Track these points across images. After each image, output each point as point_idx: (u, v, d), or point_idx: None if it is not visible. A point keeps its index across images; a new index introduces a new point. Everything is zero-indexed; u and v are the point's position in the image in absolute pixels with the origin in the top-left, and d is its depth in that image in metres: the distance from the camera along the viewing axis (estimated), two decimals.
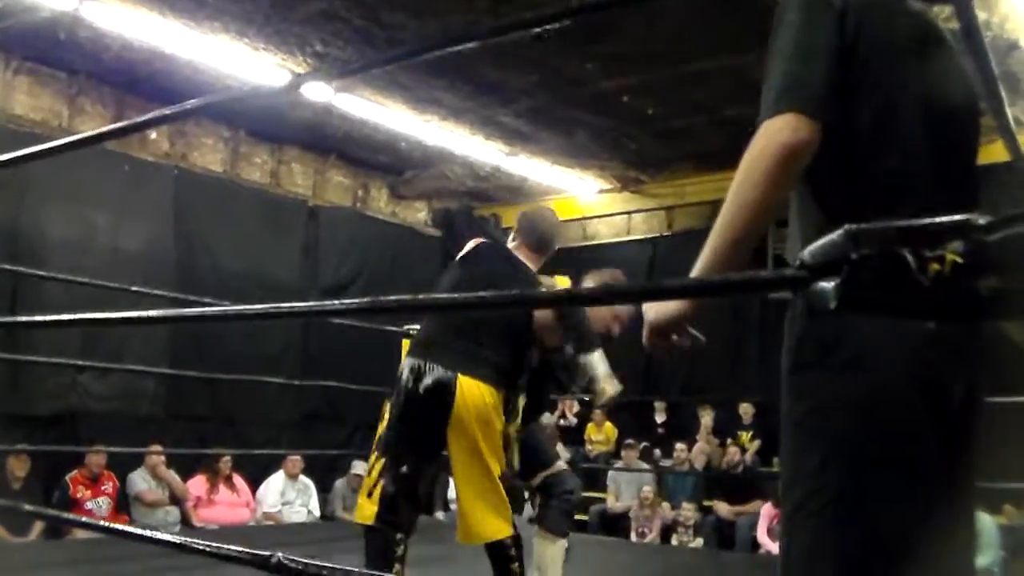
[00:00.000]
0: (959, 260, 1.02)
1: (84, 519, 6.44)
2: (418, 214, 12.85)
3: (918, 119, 1.75)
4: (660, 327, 1.78)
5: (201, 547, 1.99)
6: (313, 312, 1.78)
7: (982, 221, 1.03)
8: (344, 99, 9.17)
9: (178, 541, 2.12)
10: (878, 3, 1.78)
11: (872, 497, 1.54)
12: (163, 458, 8.59)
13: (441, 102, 9.29)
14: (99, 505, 8.20)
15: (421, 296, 1.41)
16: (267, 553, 1.57)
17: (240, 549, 1.76)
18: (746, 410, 10.39)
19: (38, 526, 7.90)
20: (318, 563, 1.53)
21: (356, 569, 1.48)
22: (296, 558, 1.56)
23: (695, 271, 1.66)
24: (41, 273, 7.45)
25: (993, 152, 2.61)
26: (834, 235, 1.06)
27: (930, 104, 1.76)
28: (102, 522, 5.99)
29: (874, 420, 1.55)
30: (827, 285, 1.06)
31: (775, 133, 1.70)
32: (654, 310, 1.77)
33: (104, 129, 2.41)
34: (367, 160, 11.64)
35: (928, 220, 1.06)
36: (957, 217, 1.04)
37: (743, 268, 1.64)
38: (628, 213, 12.37)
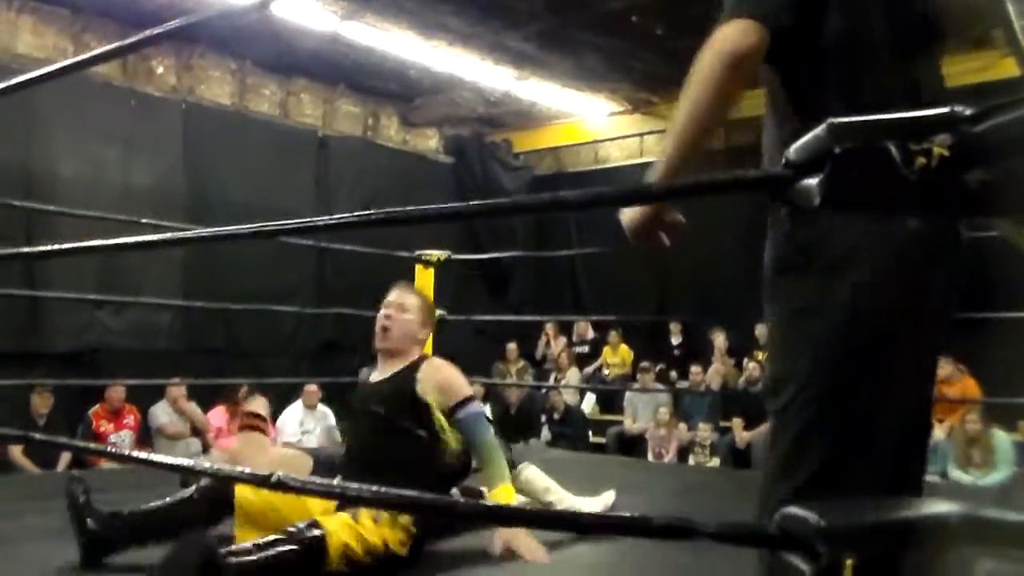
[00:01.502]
0: (946, 153, 1.01)
1: (106, 448, 6.51)
2: (429, 141, 12.78)
3: (886, 25, 1.77)
4: (633, 230, 1.90)
5: (210, 470, 2.01)
6: (313, 228, 1.79)
7: (968, 112, 1.01)
8: (351, 27, 9.08)
9: (189, 464, 2.14)
10: None
11: (857, 393, 1.61)
12: (183, 391, 8.67)
13: (448, 27, 9.20)
14: (122, 438, 8.29)
15: (410, 208, 1.41)
16: (267, 472, 1.58)
17: (243, 470, 1.77)
18: (761, 330, 10.39)
19: (64, 459, 8.01)
20: (316, 479, 1.55)
21: (353, 484, 1.49)
22: (295, 476, 1.57)
23: (652, 175, 1.76)
24: (54, 208, 7.45)
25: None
26: (817, 130, 1.04)
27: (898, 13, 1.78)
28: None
29: (859, 321, 1.62)
30: (811, 182, 1.04)
31: (725, 38, 1.74)
32: (626, 216, 1.90)
33: (89, 55, 2.37)
34: (376, 88, 11.56)
35: (913, 113, 1.04)
36: (942, 109, 1.02)
37: (697, 171, 1.75)
38: (640, 135, 12.28)
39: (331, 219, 1.79)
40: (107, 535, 2.80)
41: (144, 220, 6.14)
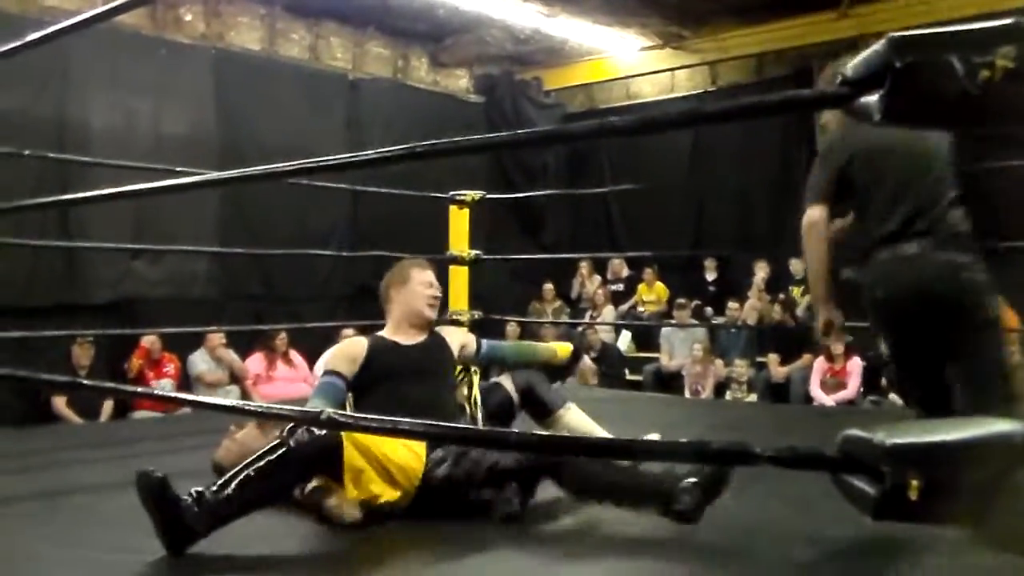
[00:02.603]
0: (1010, 65, 0.98)
1: (145, 390, 6.58)
2: (459, 81, 12.69)
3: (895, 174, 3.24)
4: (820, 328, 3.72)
5: (256, 409, 2.01)
6: (346, 164, 1.78)
7: None
8: None
9: (233, 404, 2.15)
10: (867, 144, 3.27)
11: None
12: (222, 338, 8.72)
13: None
14: (163, 386, 8.37)
15: (444, 141, 1.41)
16: (317, 410, 1.58)
17: (292, 408, 1.78)
18: (797, 265, 10.33)
19: (107, 409, 8.10)
20: (365, 415, 1.55)
21: (398, 418, 1.49)
22: (346, 413, 1.57)
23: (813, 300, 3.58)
24: (88, 160, 7.48)
25: None
26: (877, 45, 1.02)
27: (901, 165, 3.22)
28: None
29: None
30: (871, 98, 1.01)
31: (808, 218, 3.46)
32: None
33: (114, 4, 2.36)
34: (405, 29, 11.47)
35: (976, 25, 1.01)
36: (1007, 20, 0.99)
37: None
38: (671, 70, 12.15)
39: (365, 155, 1.79)
40: (192, 524, 2.75)
41: (178, 169, 6.17)
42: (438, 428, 1.31)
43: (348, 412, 3.18)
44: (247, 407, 2.06)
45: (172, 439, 4.57)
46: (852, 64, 1.05)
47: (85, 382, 2.61)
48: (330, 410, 1.58)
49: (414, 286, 3.73)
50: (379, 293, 3.85)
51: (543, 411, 3.74)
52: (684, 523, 2.68)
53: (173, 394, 3.60)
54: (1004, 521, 0.98)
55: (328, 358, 3.63)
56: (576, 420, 3.77)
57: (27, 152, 5.80)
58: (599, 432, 3.75)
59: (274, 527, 2.89)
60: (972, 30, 1.00)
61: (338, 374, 3.38)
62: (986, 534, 0.95)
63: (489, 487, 3.01)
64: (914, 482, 0.95)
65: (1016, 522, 0.97)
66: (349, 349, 3.55)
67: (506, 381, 3.77)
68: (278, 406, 1.86)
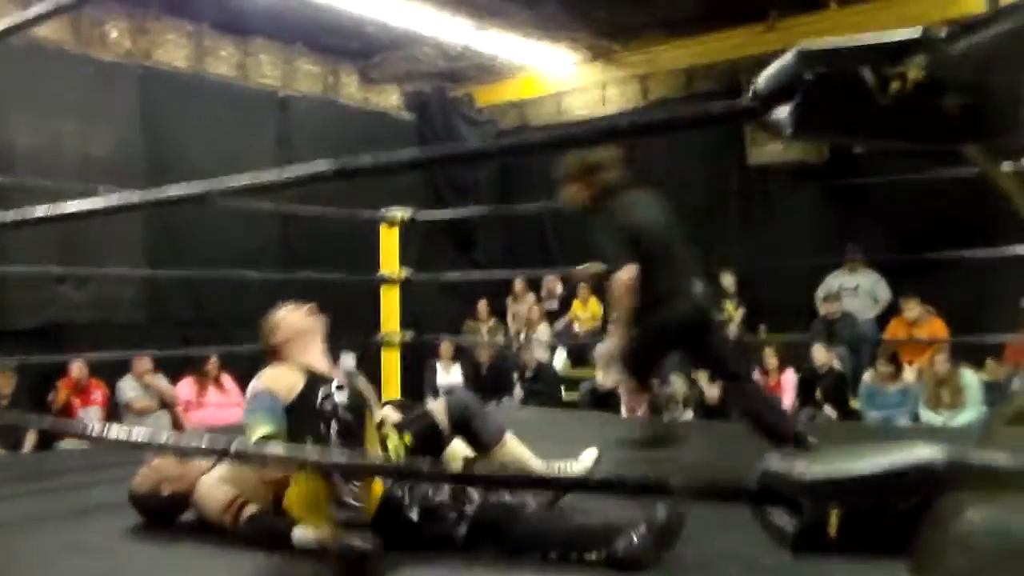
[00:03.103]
0: (921, 77, 0.94)
1: (61, 427, 6.42)
2: (390, 98, 12.62)
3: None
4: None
5: (170, 444, 1.94)
6: (272, 186, 1.72)
7: (943, 33, 0.95)
8: None
9: (155, 440, 2.07)
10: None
11: None
12: (150, 364, 8.55)
13: None
14: (89, 414, 8.20)
15: (368, 157, 1.37)
16: (227, 440, 1.51)
17: (199, 446, 1.70)
18: (728, 280, 10.39)
19: (30, 440, 7.89)
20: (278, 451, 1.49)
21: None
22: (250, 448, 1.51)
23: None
24: (9, 180, 7.30)
25: None
26: (786, 57, 0.98)
27: None
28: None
29: None
30: (782, 112, 0.97)
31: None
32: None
33: (30, 14, 2.28)
34: (335, 46, 11.39)
35: (885, 36, 0.97)
36: (916, 30, 0.96)
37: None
38: (602, 86, 12.19)
39: (295, 173, 1.73)
40: None
41: (103, 187, 6.03)
42: (350, 461, 1.25)
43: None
44: (161, 442, 1.97)
45: (98, 471, 4.45)
46: (762, 76, 1.01)
47: None
48: (239, 439, 1.51)
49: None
50: None
51: (477, 446, 3.48)
52: (632, 570, 2.63)
53: (91, 429, 3.49)
54: (927, 553, 0.94)
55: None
56: (512, 454, 3.62)
57: None
58: (534, 465, 3.63)
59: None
60: (882, 41, 0.97)
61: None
62: (911, 567, 0.91)
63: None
64: (833, 516, 0.91)
65: (940, 553, 0.93)
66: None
67: (438, 409, 3.47)
68: (187, 442, 1.78)
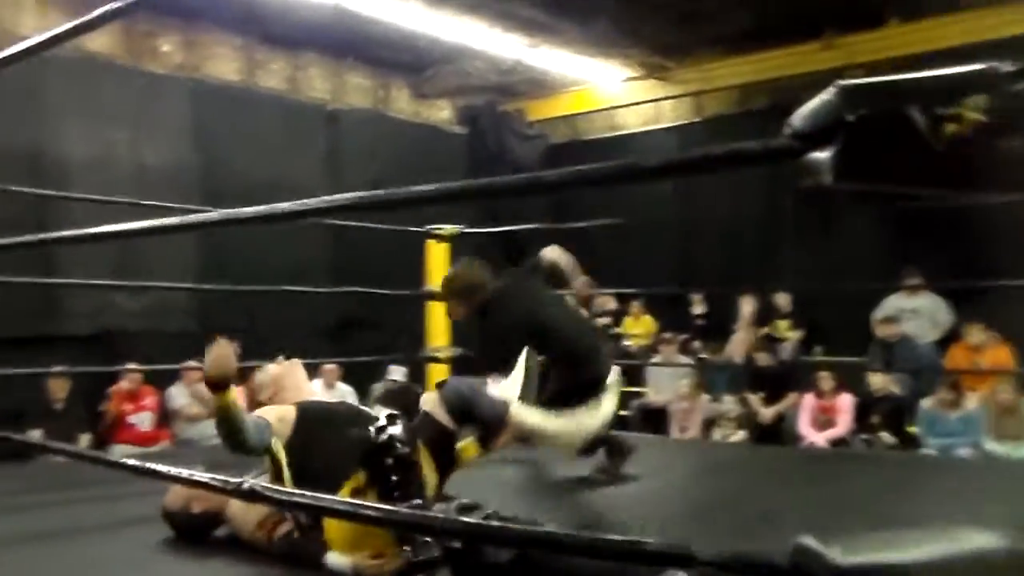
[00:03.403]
0: (981, 118, 0.83)
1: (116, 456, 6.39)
2: (441, 113, 12.59)
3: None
4: None
5: (184, 478, 1.87)
6: (324, 209, 1.67)
7: (1009, 68, 0.84)
8: None
9: (165, 471, 2.00)
10: None
11: None
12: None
13: None
14: (141, 420, 8.25)
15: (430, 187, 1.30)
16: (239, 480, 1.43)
17: (212, 478, 1.63)
18: (782, 299, 10.20)
19: (84, 442, 7.98)
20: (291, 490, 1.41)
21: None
22: (266, 485, 1.43)
23: None
24: (66, 194, 7.38)
25: None
26: (826, 93, 0.87)
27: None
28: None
29: None
30: (821, 155, 0.87)
31: None
32: None
33: (74, 23, 2.25)
34: (386, 60, 11.37)
35: (942, 71, 0.86)
36: (977, 66, 0.85)
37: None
38: (655, 101, 12.06)
39: (332, 200, 1.68)
40: None
41: (159, 204, 6.04)
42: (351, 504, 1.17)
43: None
44: (173, 474, 1.90)
45: (141, 480, 4.41)
46: (800, 113, 0.91)
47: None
48: (251, 481, 1.44)
49: None
50: None
51: (486, 431, 3.20)
52: None
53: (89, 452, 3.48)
54: None
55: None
56: (525, 425, 3.42)
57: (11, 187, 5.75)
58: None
59: None
60: (936, 77, 0.86)
61: None
62: None
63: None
64: None
65: None
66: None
67: (434, 406, 3.20)
68: (200, 476, 1.71)
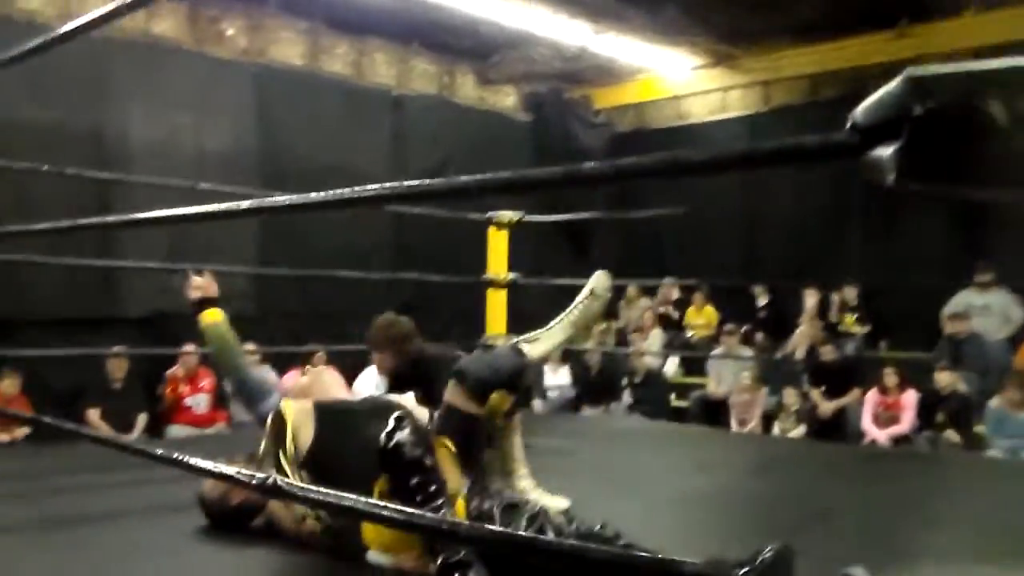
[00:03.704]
0: None
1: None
2: (507, 99, 12.52)
3: None
4: None
5: (213, 471, 1.82)
6: (389, 196, 1.63)
7: None
8: None
9: (201, 465, 1.96)
10: None
11: None
12: (257, 355, 8.60)
13: None
14: (198, 402, 8.32)
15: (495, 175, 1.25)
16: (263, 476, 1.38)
17: (239, 472, 1.58)
18: (850, 293, 10.02)
19: (140, 424, 8.10)
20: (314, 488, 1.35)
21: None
22: (290, 482, 1.38)
23: None
24: (128, 177, 7.42)
25: None
26: (893, 84, 0.79)
27: None
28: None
29: None
30: (884, 152, 0.79)
31: None
32: None
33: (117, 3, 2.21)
34: (451, 45, 11.32)
35: (1020, 59, 0.77)
36: None
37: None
38: (723, 90, 11.90)
39: (395, 187, 1.63)
40: None
41: (219, 189, 6.04)
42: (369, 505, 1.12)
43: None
44: (202, 467, 1.85)
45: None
46: (863, 106, 0.82)
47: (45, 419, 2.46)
48: (276, 477, 1.39)
49: None
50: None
51: (516, 393, 3.16)
52: None
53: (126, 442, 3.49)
54: None
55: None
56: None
57: (69, 171, 5.81)
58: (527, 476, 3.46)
59: None
60: (1018, 66, 0.77)
61: None
62: None
63: None
64: None
65: None
66: None
67: (455, 397, 3.03)
68: (229, 470, 1.66)
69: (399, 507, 1.58)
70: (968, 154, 0.76)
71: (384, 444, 2.63)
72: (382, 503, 1.36)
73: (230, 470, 1.65)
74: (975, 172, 0.77)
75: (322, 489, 1.47)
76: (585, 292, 3.27)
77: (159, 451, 1.90)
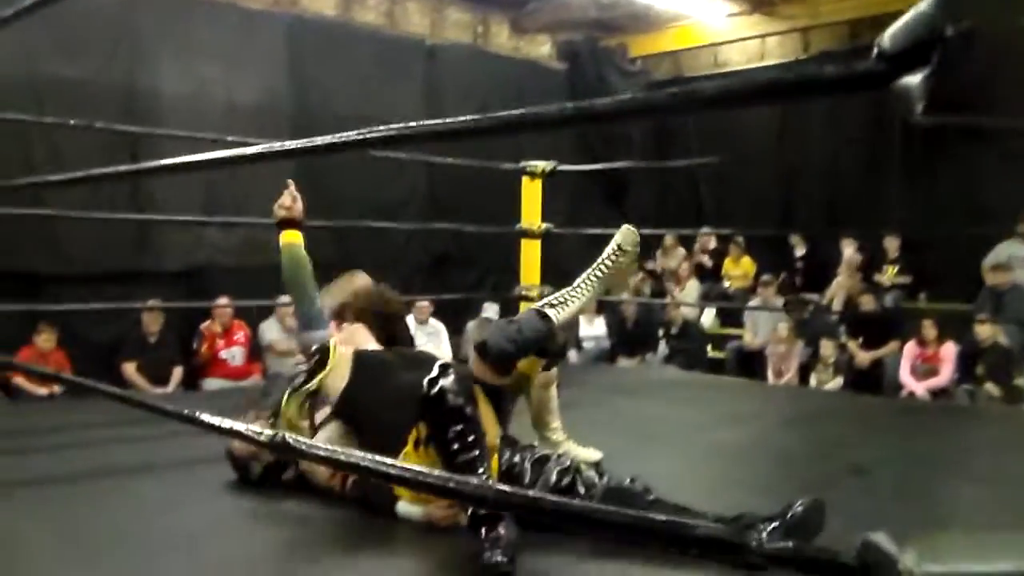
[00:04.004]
0: None
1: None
2: (541, 48, 12.37)
3: None
4: None
5: (226, 428, 1.78)
6: (413, 135, 1.57)
7: None
8: None
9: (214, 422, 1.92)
10: None
11: None
12: (292, 308, 8.59)
13: None
14: (232, 354, 8.33)
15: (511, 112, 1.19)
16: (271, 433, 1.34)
17: (248, 428, 1.54)
18: (891, 243, 9.86)
19: (176, 377, 8.12)
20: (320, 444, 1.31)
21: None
22: (300, 439, 1.33)
23: None
24: (158, 131, 7.39)
25: None
26: (923, 2, 0.71)
27: None
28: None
29: None
30: (913, 80, 0.72)
31: None
32: None
33: None
34: None
35: None
36: None
37: None
38: (761, 37, 11.68)
39: (438, 125, 1.57)
40: None
41: (250, 141, 5.99)
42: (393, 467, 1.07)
43: None
44: (216, 425, 1.82)
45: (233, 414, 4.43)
46: (890, 30, 0.75)
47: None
48: (284, 434, 1.35)
49: None
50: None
51: (544, 358, 3.13)
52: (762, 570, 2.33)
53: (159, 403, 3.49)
54: None
55: None
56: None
57: (99, 124, 5.78)
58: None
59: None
60: None
61: None
62: None
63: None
64: None
65: None
66: None
67: (481, 371, 2.95)
68: (240, 427, 1.63)
69: (411, 467, 1.54)
70: (1007, 79, 0.68)
71: (427, 390, 2.60)
72: (389, 462, 1.31)
73: (240, 427, 1.61)
74: (1015, 100, 0.70)
75: (333, 448, 1.43)
76: (612, 247, 3.18)
77: (169, 407, 1.86)
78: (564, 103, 1.19)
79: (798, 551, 0.81)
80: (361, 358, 3.14)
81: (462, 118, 1.46)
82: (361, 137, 1.60)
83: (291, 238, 3.75)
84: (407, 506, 2.82)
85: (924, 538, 0.73)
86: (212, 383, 8.07)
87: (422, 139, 1.71)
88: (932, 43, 0.70)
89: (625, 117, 1.01)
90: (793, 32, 11.36)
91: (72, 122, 5.67)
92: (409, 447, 2.72)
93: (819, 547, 0.86)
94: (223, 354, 8.29)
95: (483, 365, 2.92)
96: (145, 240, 8.55)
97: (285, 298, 8.27)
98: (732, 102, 0.97)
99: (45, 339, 7.50)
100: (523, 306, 6.40)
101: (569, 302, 3.04)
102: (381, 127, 1.64)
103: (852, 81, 0.81)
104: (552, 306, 3.01)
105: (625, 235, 3.21)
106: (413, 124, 1.61)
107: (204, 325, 8.32)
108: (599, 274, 3.14)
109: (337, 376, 3.06)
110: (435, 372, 2.62)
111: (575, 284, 3.10)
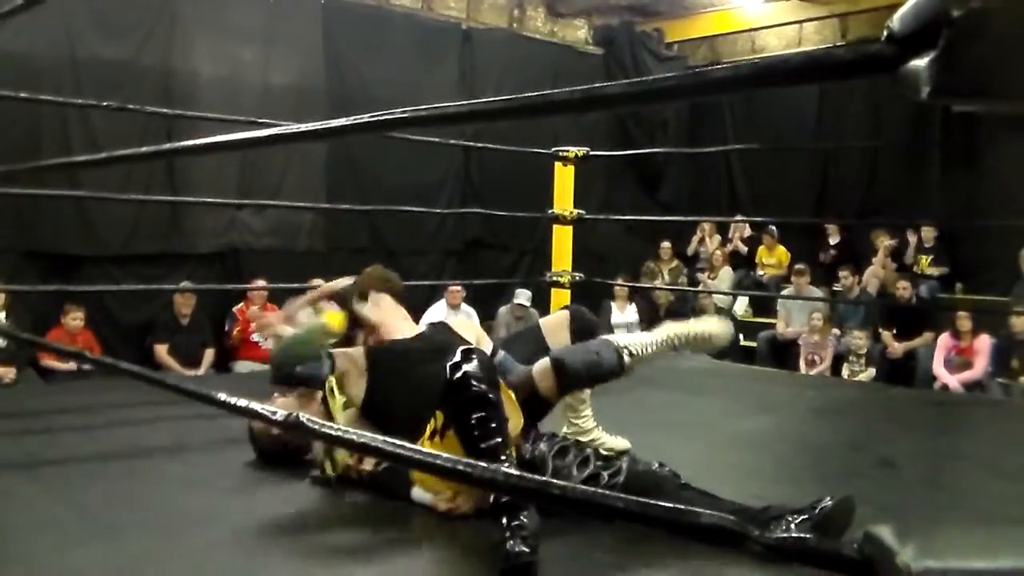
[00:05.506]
0: None
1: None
2: (577, 32, 12.31)
3: None
4: None
5: (243, 408, 1.78)
6: (444, 117, 1.56)
7: None
8: None
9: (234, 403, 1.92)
10: None
11: None
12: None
13: None
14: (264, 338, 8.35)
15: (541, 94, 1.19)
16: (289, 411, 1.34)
17: (263, 408, 1.54)
18: (927, 232, 9.76)
19: (207, 360, 8.15)
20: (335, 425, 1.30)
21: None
22: (315, 420, 1.33)
23: None
24: (193, 114, 7.40)
25: None
26: None
27: None
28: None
29: None
30: (919, 63, 0.70)
31: None
32: None
33: None
34: None
35: None
36: None
37: None
38: (799, 22, 11.58)
39: (472, 105, 1.56)
40: None
41: (285, 124, 5.98)
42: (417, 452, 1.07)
43: None
44: (233, 403, 1.81)
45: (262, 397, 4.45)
46: (900, 12, 0.73)
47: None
48: (297, 414, 1.35)
49: None
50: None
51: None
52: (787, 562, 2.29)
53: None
54: None
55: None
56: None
57: (131, 107, 5.81)
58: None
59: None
60: None
61: None
62: None
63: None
64: None
65: None
66: None
67: (543, 377, 3.04)
68: (256, 407, 1.63)
69: (428, 451, 1.53)
70: (1014, 62, 0.66)
71: (450, 375, 2.59)
72: (408, 445, 1.30)
73: (255, 405, 1.61)
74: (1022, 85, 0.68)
75: (346, 428, 1.42)
76: (706, 331, 3.16)
77: (190, 387, 1.87)
78: (590, 85, 1.17)
79: (800, 542, 0.80)
80: (375, 356, 3.14)
81: (491, 99, 1.45)
82: (390, 118, 1.57)
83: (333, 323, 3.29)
84: (420, 493, 2.82)
85: (931, 533, 0.72)
86: (243, 366, 8.10)
87: (452, 120, 1.69)
88: (939, 25, 0.68)
89: (637, 102, 1.00)
90: (831, 18, 11.25)
91: (105, 104, 5.68)
92: (425, 437, 2.71)
93: (822, 539, 0.84)
94: (255, 337, 8.32)
95: (551, 380, 2.98)
96: (178, 222, 8.59)
97: (318, 281, 8.33)
98: (739, 86, 0.95)
99: (72, 319, 7.55)
100: (554, 293, 6.39)
101: (644, 352, 3.06)
102: (409, 108, 1.62)
103: (861, 64, 0.79)
104: (631, 353, 3.02)
105: (723, 329, 3.19)
106: (442, 104, 1.58)
107: (237, 307, 8.36)
108: (681, 340, 3.13)
109: (352, 380, 3.08)
110: (458, 357, 2.61)
111: (657, 337, 3.10)
